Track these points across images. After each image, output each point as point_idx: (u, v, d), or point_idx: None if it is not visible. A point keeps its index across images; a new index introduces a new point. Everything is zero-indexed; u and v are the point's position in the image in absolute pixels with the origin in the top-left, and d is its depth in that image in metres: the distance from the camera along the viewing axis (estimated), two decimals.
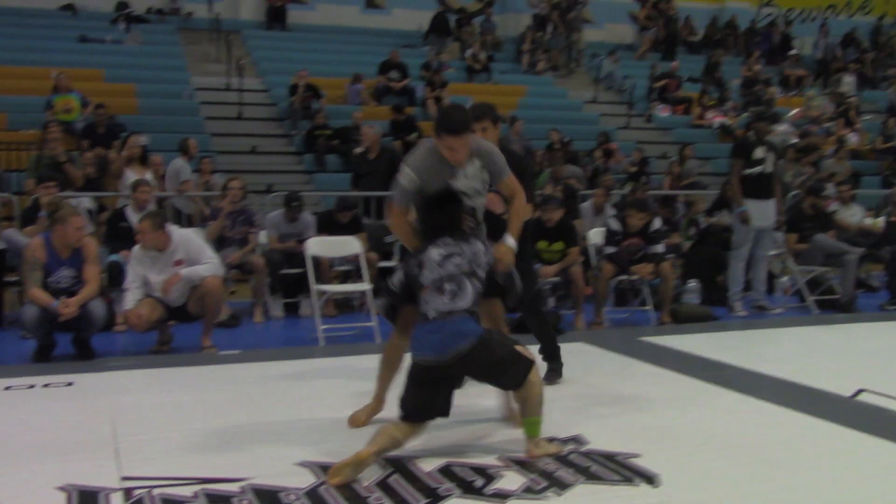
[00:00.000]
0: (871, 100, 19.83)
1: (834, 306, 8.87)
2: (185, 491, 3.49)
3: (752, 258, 8.54)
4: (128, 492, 3.49)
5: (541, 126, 14.47)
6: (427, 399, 3.90)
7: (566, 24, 19.01)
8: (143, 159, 10.14)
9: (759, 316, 8.50)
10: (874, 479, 3.79)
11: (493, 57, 18.23)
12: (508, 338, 4.06)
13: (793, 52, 20.64)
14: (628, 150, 14.06)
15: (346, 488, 3.53)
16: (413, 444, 4.03)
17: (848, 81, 19.14)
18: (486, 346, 3.83)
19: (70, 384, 5.35)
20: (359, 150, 10.97)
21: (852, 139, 16.76)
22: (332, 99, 14.66)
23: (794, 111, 16.91)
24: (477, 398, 4.99)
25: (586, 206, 9.74)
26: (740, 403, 5.08)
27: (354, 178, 10.08)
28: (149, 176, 9.69)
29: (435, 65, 16.05)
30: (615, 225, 7.95)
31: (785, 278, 9.87)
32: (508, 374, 3.89)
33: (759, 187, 8.22)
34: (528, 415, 3.93)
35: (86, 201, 9.20)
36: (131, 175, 9.48)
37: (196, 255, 6.38)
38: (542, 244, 7.86)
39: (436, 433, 4.34)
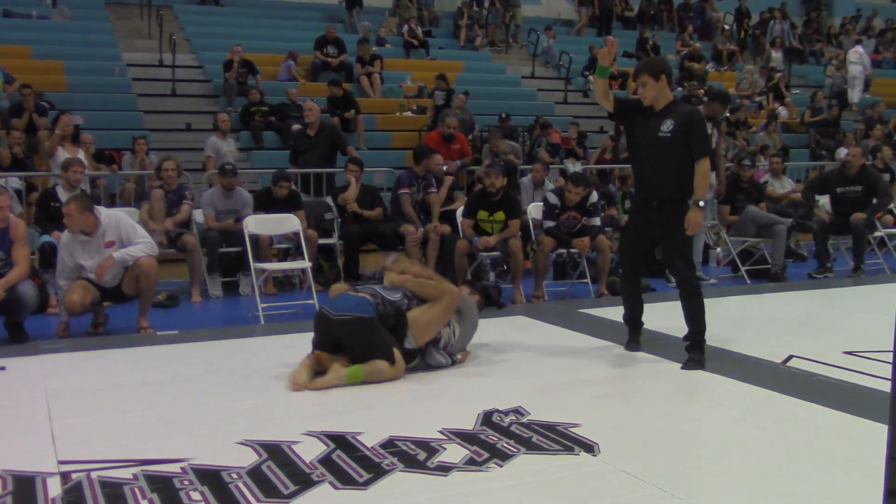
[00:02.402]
0: (799, 74, 20.29)
1: (765, 276, 9.11)
2: (125, 473, 3.45)
3: None
4: (65, 475, 3.43)
5: (478, 102, 14.47)
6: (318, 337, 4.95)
7: (503, 0, 19.01)
8: (75, 138, 9.90)
9: None
10: (802, 440, 3.93)
11: (431, 32, 18.15)
12: (385, 337, 4.84)
13: (727, 27, 20.96)
14: (565, 125, 14.15)
15: (289, 466, 3.53)
16: (355, 421, 4.09)
17: (776, 57, 19.53)
18: (364, 327, 4.77)
19: (2, 368, 5.21)
20: (297, 126, 10.83)
21: (782, 113, 17.15)
22: (267, 75, 14.44)
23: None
24: (419, 378, 5.04)
25: (525, 180, 9.81)
26: (676, 372, 5.20)
27: (293, 154, 9.95)
28: (81, 155, 9.47)
29: (372, 40, 15.90)
30: (553, 199, 8.02)
31: (718, 249, 10.10)
32: (373, 355, 4.78)
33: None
34: (364, 372, 4.74)
35: (13, 181, 8.96)
36: (63, 154, 9.25)
37: (127, 236, 6.22)
38: (482, 214, 7.89)
39: (378, 409, 4.36)
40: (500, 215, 7.89)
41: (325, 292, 7.97)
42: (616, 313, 6.83)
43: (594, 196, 8.11)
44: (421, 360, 5.08)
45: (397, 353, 4.84)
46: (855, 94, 18.82)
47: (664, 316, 6.91)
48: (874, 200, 9.38)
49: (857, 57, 18.91)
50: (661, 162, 5.34)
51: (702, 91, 13.06)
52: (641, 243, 5.67)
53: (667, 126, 5.29)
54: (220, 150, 10.28)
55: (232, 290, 8.35)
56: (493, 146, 11.18)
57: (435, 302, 5.03)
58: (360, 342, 4.85)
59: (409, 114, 14.44)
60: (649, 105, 5.38)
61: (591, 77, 17.12)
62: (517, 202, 8.13)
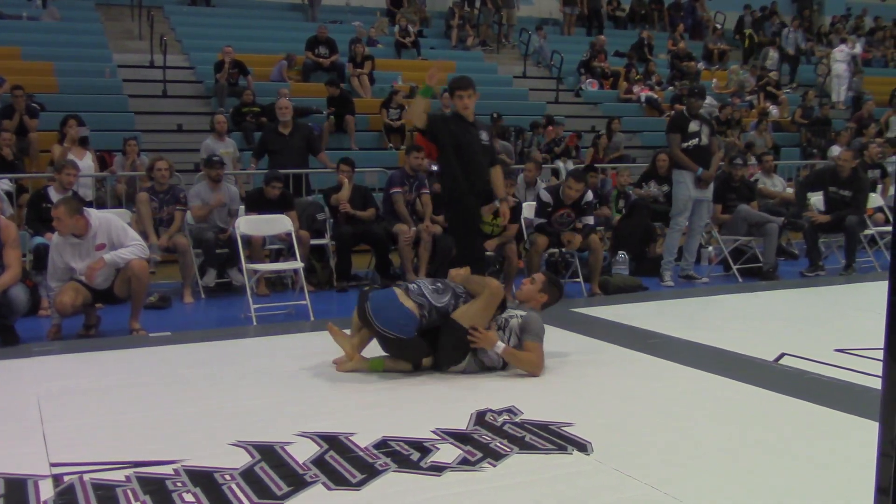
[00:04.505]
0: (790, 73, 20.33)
1: (757, 274, 9.13)
2: (117, 475, 3.43)
3: (689, 228, 8.75)
4: (57, 478, 3.41)
5: None
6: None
7: (495, 1, 19.03)
8: (83, 141, 9.92)
9: (686, 285, 8.69)
10: (794, 437, 3.94)
11: (422, 32, 18.15)
12: (420, 351, 4.99)
13: (718, 27, 21.00)
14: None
15: (282, 467, 3.53)
16: (348, 421, 4.09)
17: (773, 57, 19.59)
18: (403, 344, 4.89)
19: None
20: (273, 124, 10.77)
21: (773, 112, 17.20)
22: (259, 76, 14.42)
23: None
24: (412, 378, 5.04)
25: (518, 180, 9.81)
26: (669, 371, 5.21)
27: (260, 148, 9.64)
28: (88, 158, 9.50)
29: (365, 39, 15.89)
30: (546, 196, 8.03)
31: (710, 248, 10.13)
32: (402, 358, 5.00)
33: (697, 159, 8.44)
34: (386, 364, 5.01)
35: (4, 183, 8.93)
36: (72, 158, 9.23)
37: (118, 238, 6.20)
38: (486, 217, 7.90)
39: (371, 410, 4.36)
40: (501, 220, 7.92)
41: (317, 293, 7.98)
42: (610, 312, 6.87)
43: (589, 195, 8.13)
44: (473, 357, 5.02)
45: (425, 363, 5.02)
46: (841, 93, 18.89)
47: (657, 315, 6.95)
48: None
49: (843, 56, 18.98)
50: (484, 165, 6.33)
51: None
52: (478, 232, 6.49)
53: (484, 136, 6.40)
54: (216, 152, 10.22)
55: (223, 290, 8.34)
56: None
57: (478, 297, 4.96)
58: (393, 350, 5.01)
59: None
60: (462, 117, 6.18)
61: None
62: (519, 208, 8.16)
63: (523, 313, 5.10)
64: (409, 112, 6.22)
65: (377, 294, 5.03)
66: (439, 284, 5.06)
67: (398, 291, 4.95)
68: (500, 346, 4.92)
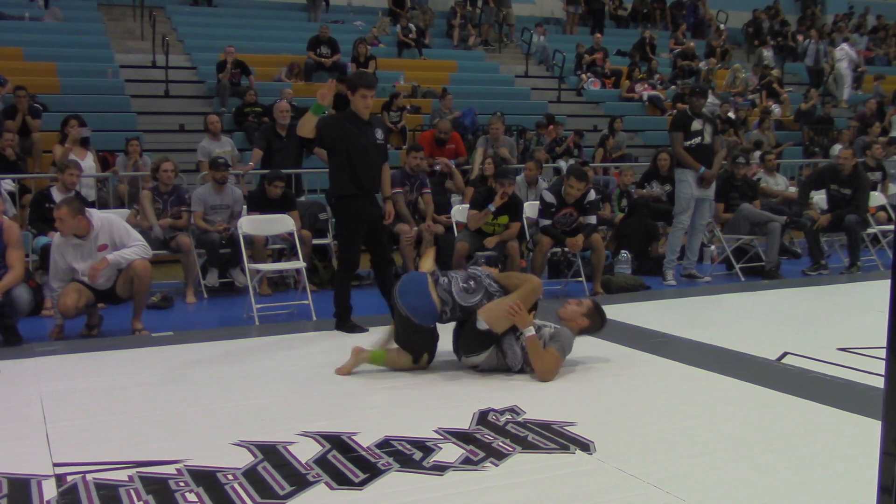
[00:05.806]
0: (793, 71, 20.31)
1: (759, 273, 9.12)
2: (120, 475, 3.44)
3: (691, 227, 8.74)
4: (60, 478, 3.42)
5: (472, 101, 14.46)
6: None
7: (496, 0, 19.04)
8: (84, 142, 9.94)
9: (689, 284, 8.69)
10: (797, 437, 3.93)
11: (424, 32, 18.15)
12: (425, 344, 5.10)
13: (722, 26, 20.97)
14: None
15: (284, 466, 3.53)
16: (351, 421, 4.10)
17: (767, 55, 19.55)
18: (414, 329, 4.98)
19: None
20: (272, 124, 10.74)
21: (776, 110, 17.17)
22: (262, 76, 14.42)
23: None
24: (414, 378, 5.04)
25: (519, 179, 9.81)
26: (672, 370, 5.21)
27: (261, 143, 9.68)
28: (89, 158, 9.49)
29: (368, 38, 15.89)
30: (549, 197, 8.03)
31: (713, 247, 10.12)
32: (406, 348, 5.09)
33: (699, 158, 8.43)
34: (387, 358, 5.10)
35: (6, 183, 8.93)
36: (74, 158, 9.24)
37: (121, 239, 6.20)
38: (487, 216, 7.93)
39: (374, 409, 4.36)
40: (503, 219, 7.93)
41: (319, 292, 7.98)
42: (611, 311, 6.84)
43: (592, 194, 8.11)
44: (495, 352, 4.98)
45: (425, 358, 5.09)
46: (844, 92, 18.85)
47: (659, 314, 6.94)
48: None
49: (844, 54, 18.93)
50: (379, 164, 6.23)
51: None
52: (363, 235, 6.20)
53: (380, 134, 6.27)
54: (212, 152, 10.21)
55: (226, 290, 8.34)
56: (492, 134, 11.16)
57: (515, 291, 4.94)
58: (404, 333, 5.07)
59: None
60: (357, 116, 6.09)
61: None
62: (521, 206, 8.17)
63: (558, 326, 5.13)
64: (299, 127, 6.12)
65: (410, 276, 5.17)
66: (472, 283, 4.99)
67: (430, 280, 5.00)
68: (531, 331, 4.88)
